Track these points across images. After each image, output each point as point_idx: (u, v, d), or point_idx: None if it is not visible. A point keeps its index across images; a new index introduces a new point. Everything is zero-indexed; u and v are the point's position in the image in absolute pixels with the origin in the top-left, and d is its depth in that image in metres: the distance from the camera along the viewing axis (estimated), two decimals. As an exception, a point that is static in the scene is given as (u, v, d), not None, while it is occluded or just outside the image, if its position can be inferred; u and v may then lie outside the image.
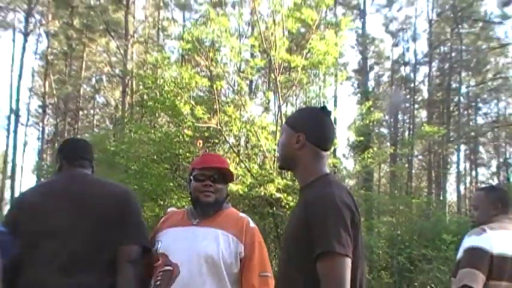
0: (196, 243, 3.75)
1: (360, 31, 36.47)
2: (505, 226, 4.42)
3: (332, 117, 3.26)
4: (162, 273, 3.74)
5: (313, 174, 3.08)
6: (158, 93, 22.09)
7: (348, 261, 2.75)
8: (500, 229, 4.39)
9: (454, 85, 40.99)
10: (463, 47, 40.10)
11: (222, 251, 3.72)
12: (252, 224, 3.99)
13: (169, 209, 4.65)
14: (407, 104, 42.84)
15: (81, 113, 46.02)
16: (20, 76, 40.60)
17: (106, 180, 4.39)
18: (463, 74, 41.05)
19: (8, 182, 40.76)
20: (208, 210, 3.89)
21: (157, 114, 25.35)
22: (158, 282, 3.74)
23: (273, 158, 20.48)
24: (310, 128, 3.13)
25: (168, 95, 21.19)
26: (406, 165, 36.35)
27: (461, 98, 42.33)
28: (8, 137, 42.96)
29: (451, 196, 42.60)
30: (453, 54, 40.81)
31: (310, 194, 2.96)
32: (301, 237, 2.87)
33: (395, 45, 43.56)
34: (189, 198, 4.12)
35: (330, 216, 2.79)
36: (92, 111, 48.89)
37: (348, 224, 2.81)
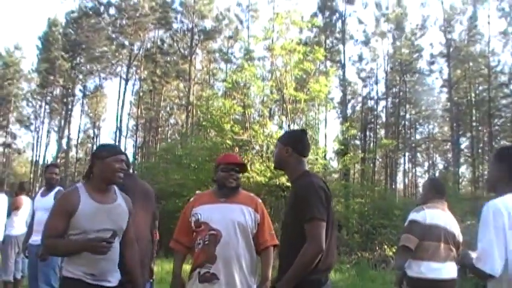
0: (230, 214, 3.76)
1: (341, 77, 36.37)
2: (437, 206, 4.53)
3: (312, 135, 3.17)
4: (209, 236, 3.71)
5: (297, 172, 3.26)
6: (209, 116, 22.12)
7: (324, 224, 2.96)
8: (434, 208, 4.50)
9: (401, 113, 41.08)
10: (407, 89, 40.23)
11: (247, 220, 3.78)
12: (260, 201, 4.03)
13: (197, 191, 4.87)
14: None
15: (160, 129, 45.90)
16: (122, 106, 41.28)
17: None
18: (407, 106, 41.24)
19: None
20: (232, 192, 3.88)
21: (208, 130, 25.35)
22: (207, 242, 3.70)
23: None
24: (295, 143, 3.32)
25: (215, 118, 21.15)
26: (371, 165, 36.19)
27: (406, 122, 42.59)
28: (115, 144, 42.89)
29: (400, 185, 42.98)
30: (401, 93, 40.86)
31: (298, 184, 3.18)
32: (294, 212, 3.08)
33: (365, 86, 43.70)
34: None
35: (311, 195, 3.00)
36: (166, 128, 48.88)
37: (323, 200, 3.01)
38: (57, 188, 6.23)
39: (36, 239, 5.83)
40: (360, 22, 39.56)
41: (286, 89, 21.20)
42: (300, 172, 3.24)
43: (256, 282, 3.87)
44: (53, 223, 3.19)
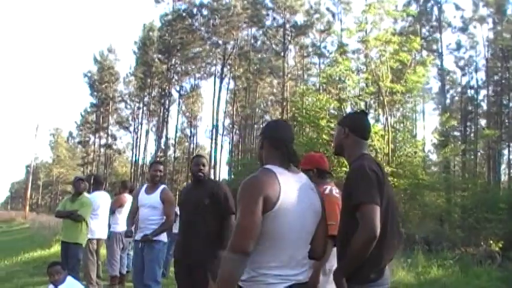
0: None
1: (439, 66, 35.50)
2: None
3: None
4: None
5: (354, 155, 3.04)
6: (304, 112, 22.30)
7: (377, 208, 2.71)
8: None
9: (504, 102, 39.29)
10: (510, 76, 38.39)
11: None
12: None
13: None
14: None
15: (255, 126, 46.71)
16: (218, 104, 42.78)
17: None
18: (511, 94, 39.36)
19: (211, 171, 41.69)
20: None
21: (303, 126, 25.41)
22: None
23: (382, 153, 20.30)
24: (353, 124, 3.12)
25: (311, 113, 21.35)
26: (473, 156, 35.03)
27: (510, 111, 40.42)
28: (211, 142, 45.18)
29: (504, 178, 40.76)
30: (503, 81, 39.10)
31: (353, 166, 2.98)
32: (347, 198, 2.86)
33: (464, 75, 42.15)
34: None
35: (361, 179, 2.79)
36: (261, 125, 49.55)
37: (375, 183, 2.78)
38: (162, 186, 6.23)
39: (141, 234, 6.05)
40: (457, 8, 38.45)
41: (382, 81, 21.12)
42: (357, 155, 3.03)
43: None
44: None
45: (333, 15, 39.22)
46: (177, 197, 9.62)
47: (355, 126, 3.11)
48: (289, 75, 39.66)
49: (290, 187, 2.46)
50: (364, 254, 2.69)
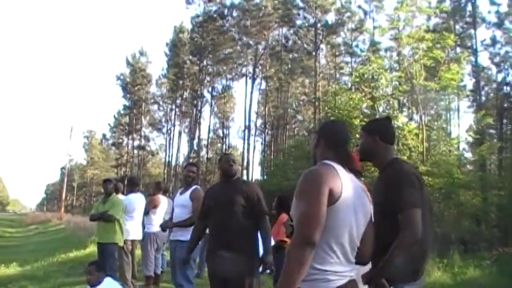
0: None
1: (474, 63, 34.98)
2: None
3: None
4: None
5: (386, 160, 3.22)
6: (337, 111, 22.26)
7: (419, 211, 2.89)
8: None
9: None
10: None
11: None
12: None
13: None
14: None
15: (287, 126, 46.76)
16: (250, 105, 43.27)
17: None
18: None
19: (244, 172, 41.86)
20: None
21: None
22: None
23: (416, 152, 20.20)
24: (381, 132, 3.27)
25: (343, 112, 21.32)
26: (510, 154, 34.40)
27: None
28: (243, 143, 45.50)
29: None
30: None
31: (389, 171, 3.13)
32: (385, 201, 2.98)
33: (499, 71, 41.33)
34: None
35: (405, 182, 2.97)
36: (293, 125, 49.61)
37: (417, 186, 2.98)
38: (194, 186, 6.32)
39: (173, 234, 6.32)
40: (492, 3, 37.78)
41: (416, 79, 21.03)
42: (389, 160, 3.21)
43: None
44: None
45: (365, 13, 38.97)
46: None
47: (383, 133, 3.27)
48: (321, 75, 39.62)
49: (349, 184, 2.44)
50: (406, 255, 2.84)
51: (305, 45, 40.98)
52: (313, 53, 39.08)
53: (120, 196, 8.65)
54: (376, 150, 3.23)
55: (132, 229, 8.40)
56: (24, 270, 13.07)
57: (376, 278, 2.91)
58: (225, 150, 53.48)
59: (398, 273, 2.90)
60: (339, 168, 2.48)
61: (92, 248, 13.34)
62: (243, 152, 44.94)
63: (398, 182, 2.97)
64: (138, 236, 8.54)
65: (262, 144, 50.57)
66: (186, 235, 5.92)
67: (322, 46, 41.07)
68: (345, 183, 2.41)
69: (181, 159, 53.51)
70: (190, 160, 43.93)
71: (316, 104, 35.32)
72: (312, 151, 2.85)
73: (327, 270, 2.34)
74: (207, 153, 54.91)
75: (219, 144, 56.09)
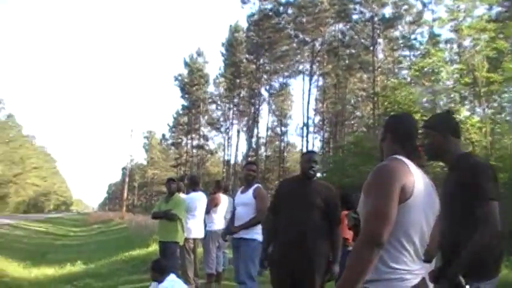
0: None
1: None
2: None
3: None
4: None
5: (457, 155, 3.17)
6: (396, 106, 21.97)
7: (497, 204, 2.86)
8: None
9: None
10: None
11: None
12: None
13: None
14: None
15: (346, 122, 46.39)
16: (308, 102, 43.40)
17: None
18: None
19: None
20: None
21: None
22: None
23: (480, 146, 19.74)
24: (451, 128, 3.23)
25: (403, 107, 21.04)
26: None
27: None
28: (302, 140, 45.66)
29: None
30: None
31: (463, 165, 3.06)
32: (461, 194, 2.96)
33: None
34: None
35: (483, 175, 2.94)
36: (352, 121, 49.08)
37: (493, 179, 2.97)
38: (256, 185, 6.31)
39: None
40: (560, -12, 36.46)
41: (478, 71, 20.54)
42: (460, 154, 3.17)
43: None
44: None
45: (424, 4, 38.20)
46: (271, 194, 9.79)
47: (453, 129, 3.24)
48: (379, 70, 39.12)
49: (420, 181, 2.32)
50: (485, 249, 2.80)
51: (362, 40, 40.59)
52: (371, 48, 38.74)
53: (182, 195, 8.77)
54: (447, 148, 3.16)
55: (194, 227, 8.46)
56: (88, 268, 13.45)
57: (452, 274, 2.81)
58: (284, 147, 53.66)
59: (478, 269, 2.85)
60: (410, 163, 2.36)
61: (154, 247, 13.51)
62: (302, 149, 44.84)
63: (477, 176, 2.93)
64: (200, 234, 8.58)
65: (320, 141, 50.49)
66: (249, 233, 6.01)
67: (380, 40, 40.58)
68: (417, 180, 2.30)
69: (239, 158, 53.91)
70: (249, 158, 44.24)
71: (375, 99, 34.92)
72: (379, 146, 2.72)
73: (402, 269, 2.24)
74: (266, 151, 55.24)
75: (277, 142, 56.20)
